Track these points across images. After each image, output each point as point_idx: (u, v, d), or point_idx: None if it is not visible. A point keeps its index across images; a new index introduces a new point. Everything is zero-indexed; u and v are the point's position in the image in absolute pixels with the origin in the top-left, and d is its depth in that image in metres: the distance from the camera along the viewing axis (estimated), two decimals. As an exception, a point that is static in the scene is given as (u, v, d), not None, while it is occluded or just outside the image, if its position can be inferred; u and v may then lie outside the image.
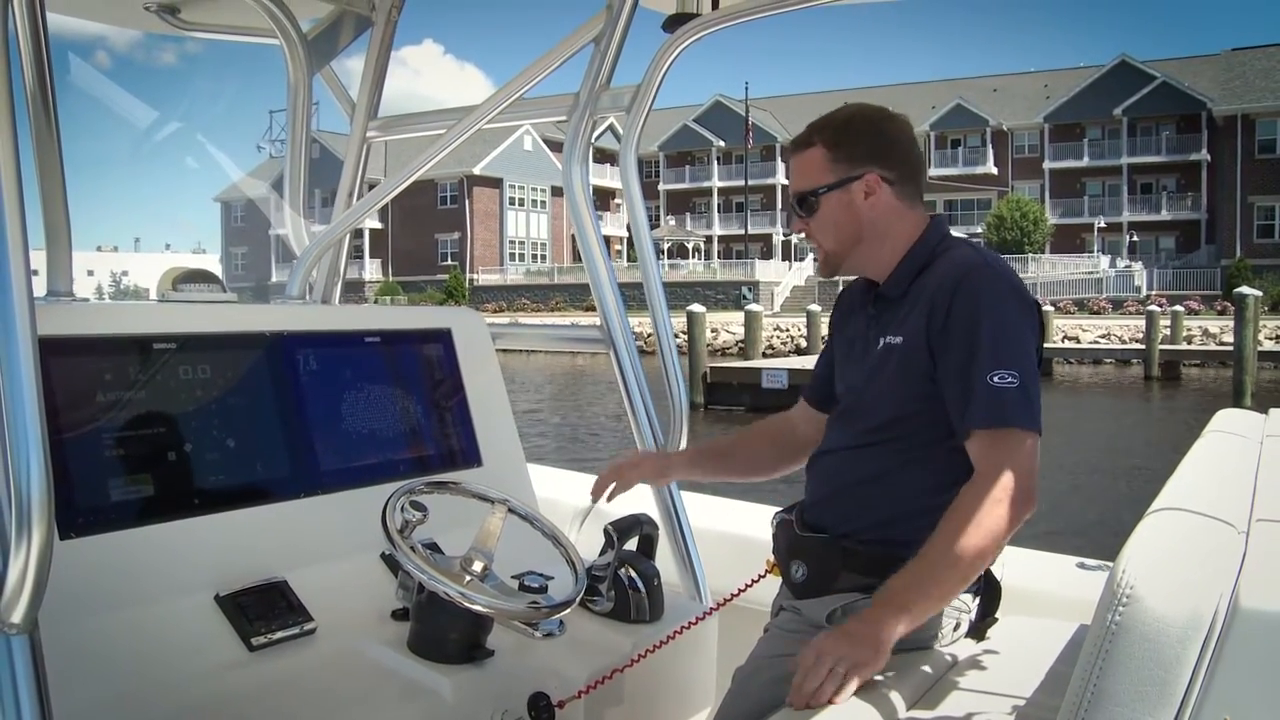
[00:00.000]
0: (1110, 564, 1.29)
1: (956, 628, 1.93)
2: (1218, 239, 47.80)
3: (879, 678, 1.71)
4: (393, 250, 61.60)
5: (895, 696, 1.68)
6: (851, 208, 1.94)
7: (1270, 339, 29.52)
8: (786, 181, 2.12)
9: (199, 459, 2.12)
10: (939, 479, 1.80)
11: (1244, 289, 24.88)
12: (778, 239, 58.87)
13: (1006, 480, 1.71)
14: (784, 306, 46.64)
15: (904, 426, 1.88)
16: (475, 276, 58.35)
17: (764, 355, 29.59)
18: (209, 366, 2.19)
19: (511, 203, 62.77)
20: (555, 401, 25.31)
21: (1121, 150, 52.91)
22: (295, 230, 3.18)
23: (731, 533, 2.89)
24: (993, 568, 1.89)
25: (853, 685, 1.64)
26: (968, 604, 1.93)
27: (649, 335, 2.78)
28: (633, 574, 2.34)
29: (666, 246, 57.48)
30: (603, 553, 2.38)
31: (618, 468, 2.36)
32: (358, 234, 55.26)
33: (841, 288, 2.23)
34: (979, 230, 52.20)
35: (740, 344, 32.11)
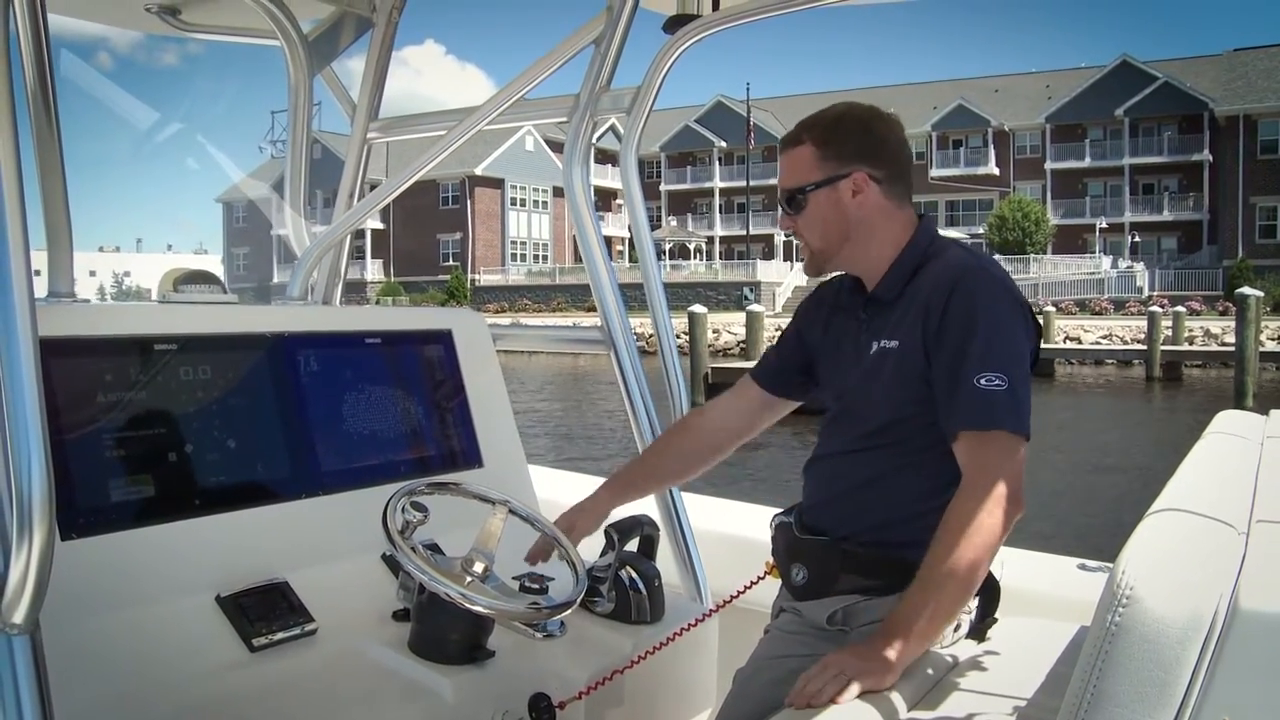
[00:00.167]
0: (1110, 565, 1.29)
1: (957, 629, 1.92)
2: (1220, 239, 47.76)
3: None
4: (394, 251, 61.62)
5: (896, 697, 1.68)
6: (839, 206, 1.94)
7: (1272, 340, 29.48)
8: (786, 180, 2.11)
9: (200, 460, 2.12)
10: (937, 481, 1.80)
11: (1245, 289, 24.87)
12: (779, 240, 58.77)
13: (995, 486, 1.71)
14: (785, 307, 46.59)
15: (901, 430, 1.88)
16: (477, 277, 58.36)
17: (765, 356, 29.54)
18: (210, 367, 2.20)
19: (513, 203, 62.79)
20: (557, 401, 25.30)
21: (1123, 151, 52.87)
22: (296, 231, 3.18)
23: (732, 534, 2.89)
24: (990, 567, 1.88)
25: (854, 689, 1.63)
26: (970, 605, 1.93)
27: (650, 336, 2.78)
28: (633, 575, 2.35)
29: (668, 247, 57.48)
30: (603, 554, 2.38)
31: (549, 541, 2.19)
32: (359, 234, 55.27)
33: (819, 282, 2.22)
34: (981, 231, 52.19)
35: (742, 344, 32.13)
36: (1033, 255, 48.16)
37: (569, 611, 1.96)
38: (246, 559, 2.09)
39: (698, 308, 25.67)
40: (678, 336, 3.06)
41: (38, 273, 1.75)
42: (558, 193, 60.42)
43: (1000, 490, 1.71)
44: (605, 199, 59.78)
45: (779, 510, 2.13)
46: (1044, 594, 2.44)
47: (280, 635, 2.02)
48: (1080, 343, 33.23)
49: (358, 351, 2.54)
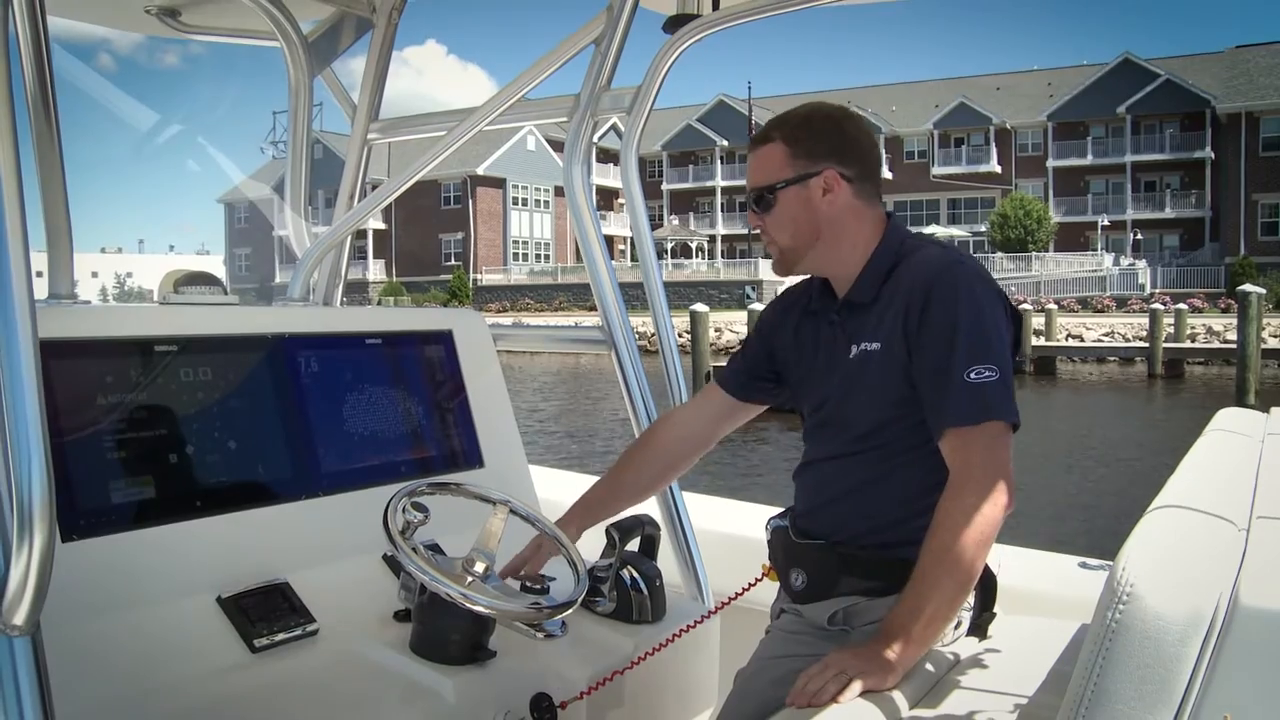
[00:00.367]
0: (1111, 563, 1.29)
1: (957, 626, 1.92)
2: (1222, 237, 47.72)
3: None
4: (396, 251, 61.66)
5: (897, 696, 1.68)
6: (809, 204, 1.93)
7: (1274, 337, 29.42)
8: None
9: (200, 461, 2.12)
10: (931, 478, 1.80)
11: (1247, 286, 24.86)
12: (781, 238, 58.58)
13: (986, 479, 1.71)
14: (787, 306, 46.46)
15: (890, 431, 1.88)
16: (479, 276, 58.35)
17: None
18: (210, 369, 2.20)
19: (515, 203, 62.81)
20: (558, 401, 25.30)
21: (1125, 148, 52.79)
22: (296, 232, 3.18)
23: (734, 533, 2.89)
24: (986, 560, 1.87)
25: (856, 688, 1.63)
26: (968, 601, 1.92)
27: (652, 335, 2.78)
28: (635, 575, 2.34)
29: (670, 246, 57.44)
30: (604, 554, 2.38)
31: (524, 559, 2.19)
32: (361, 235, 55.16)
33: (784, 287, 2.21)
34: (983, 229, 52.19)
35: (743, 343, 32.08)
36: (1035, 253, 48.13)
37: (570, 611, 1.95)
38: (247, 560, 2.09)
39: (700, 306, 25.64)
40: (680, 335, 3.05)
41: (39, 274, 1.75)
42: (559, 192, 60.35)
43: (992, 482, 1.71)
44: (608, 198, 59.76)
45: (774, 514, 2.13)
46: (1045, 593, 2.44)
47: (281, 636, 2.02)
48: (1082, 340, 33.17)
49: (358, 352, 2.54)
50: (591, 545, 2.32)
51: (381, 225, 60.42)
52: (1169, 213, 51.86)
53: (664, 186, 63.75)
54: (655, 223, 59.94)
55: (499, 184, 61.47)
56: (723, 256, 58.64)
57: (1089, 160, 53.96)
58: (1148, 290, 41.99)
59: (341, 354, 2.49)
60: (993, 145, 57.04)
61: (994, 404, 1.74)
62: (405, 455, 2.52)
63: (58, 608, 1.44)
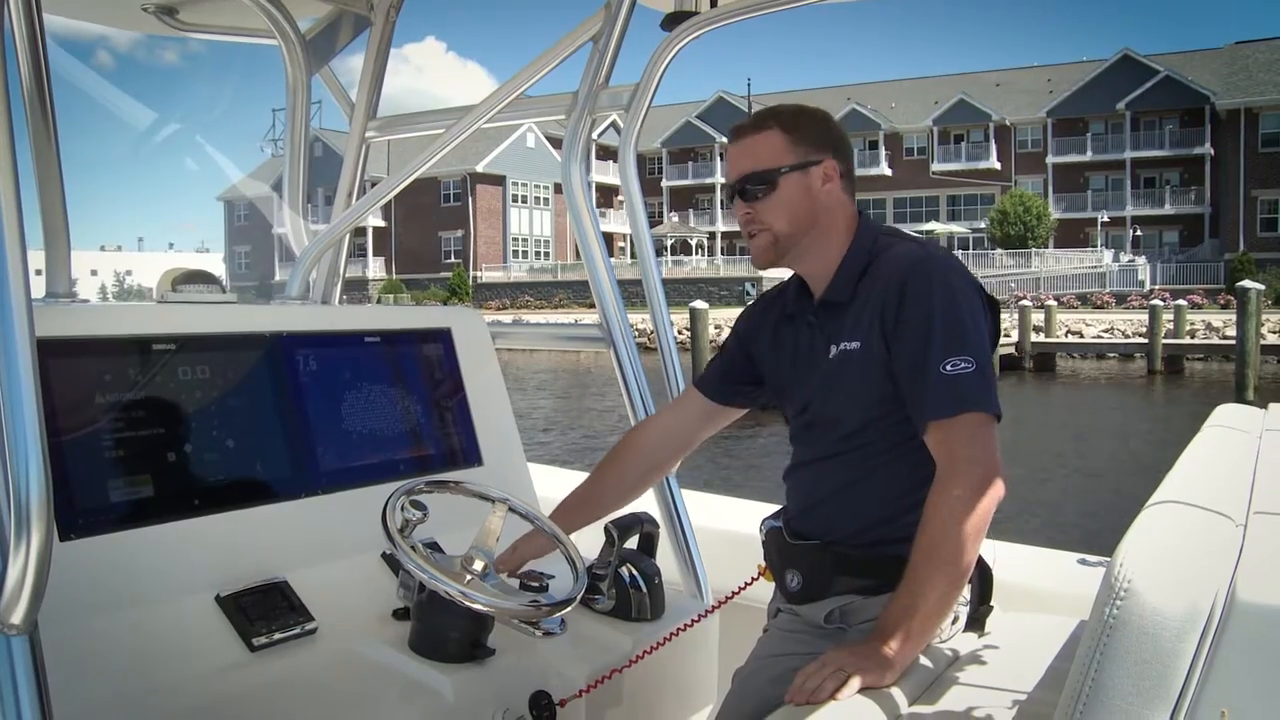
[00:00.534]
0: (1109, 560, 1.29)
1: (955, 621, 1.92)
2: (1221, 233, 47.70)
3: None
4: (396, 248, 61.65)
5: (896, 692, 1.68)
6: (810, 192, 1.93)
7: (1273, 333, 29.44)
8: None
9: (199, 459, 2.12)
10: (918, 473, 1.80)
11: (1246, 282, 24.87)
12: (780, 235, 58.56)
13: (972, 471, 1.71)
14: (787, 303, 46.44)
15: (877, 428, 1.87)
16: (479, 274, 58.35)
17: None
18: (208, 367, 2.20)
19: (515, 200, 62.80)
20: (558, 399, 25.29)
21: (1125, 144, 52.75)
22: (294, 230, 3.18)
23: (732, 531, 2.89)
24: (981, 553, 1.87)
25: (854, 685, 1.63)
26: (964, 595, 1.92)
27: (651, 332, 2.78)
28: (633, 572, 2.35)
29: (670, 243, 57.42)
30: (603, 551, 2.38)
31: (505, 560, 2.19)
32: (360, 232, 55.39)
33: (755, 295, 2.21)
34: (982, 225, 52.18)
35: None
36: (1034, 249, 48.13)
37: (569, 609, 1.95)
38: (246, 558, 2.09)
39: (699, 303, 25.65)
40: (680, 332, 3.06)
41: (38, 272, 1.75)
42: (559, 189, 60.05)
43: (979, 474, 1.71)
44: (608, 195, 59.72)
45: (768, 514, 2.13)
46: (1043, 589, 2.45)
47: (280, 635, 2.02)
48: (1082, 336, 33.18)
49: (356, 350, 2.54)
50: (590, 543, 2.32)
51: (381, 223, 60.41)
52: (1168, 209, 51.83)
53: (664, 183, 63.71)
54: (655, 220, 59.89)
55: (499, 181, 61.46)
56: (722, 253, 58.66)
57: (1089, 156, 53.93)
58: (1147, 286, 42.00)
59: (340, 352, 2.49)
60: (992, 142, 57.02)
61: (971, 395, 1.74)
62: (404, 453, 2.52)
63: (55, 607, 1.44)
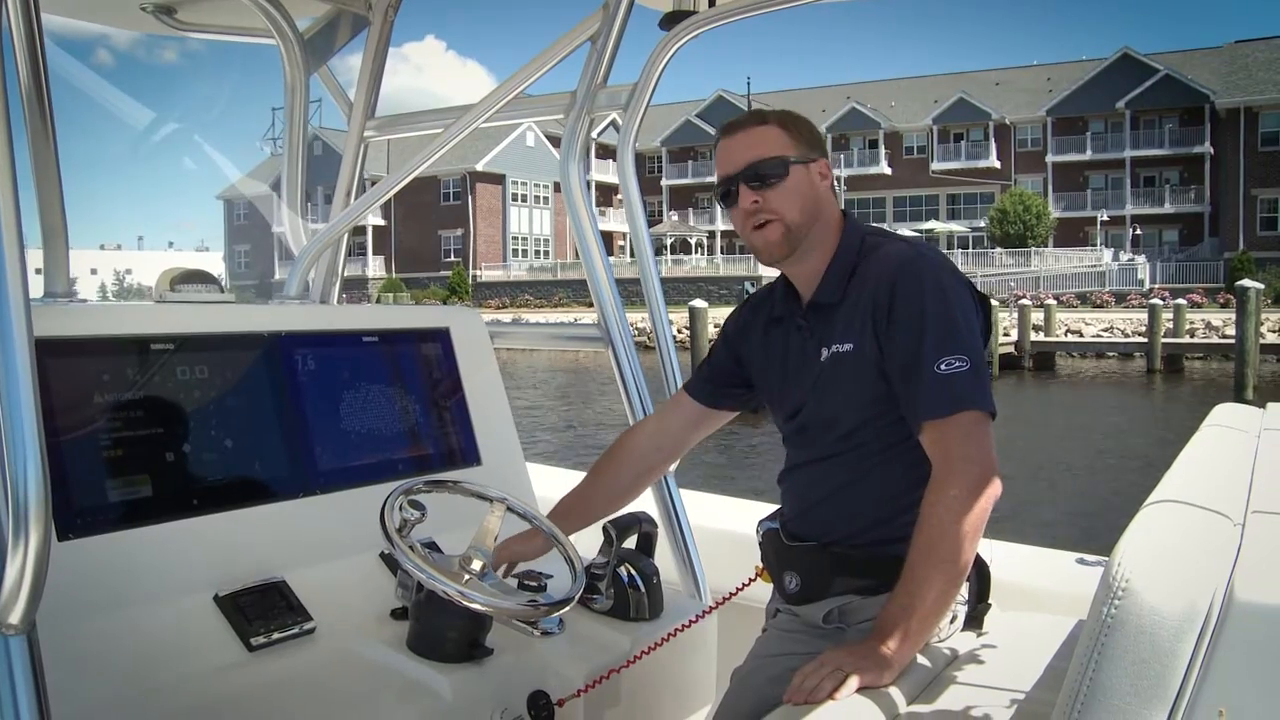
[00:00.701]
0: (1107, 559, 1.29)
1: (953, 620, 1.92)
2: (1221, 232, 47.68)
3: None
4: (396, 247, 61.63)
5: (894, 692, 1.68)
6: (813, 186, 1.94)
7: (1272, 332, 29.44)
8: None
9: (197, 459, 2.12)
10: (917, 472, 1.79)
11: (1246, 282, 24.87)
12: (780, 234, 58.52)
13: (968, 470, 1.71)
14: (787, 302, 46.38)
15: (871, 429, 1.87)
16: (479, 273, 58.34)
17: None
18: (206, 367, 2.19)
19: (514, 199, 62.78)
20: (558, 399, 25.29)
21: (1124, 143, 52.72)
22: (293, 229, 3.18)
23: (731, 530, 2.89)
24: (979, 552, 1.87)
25: (852, 684, 1.63)
26: (962, 594, 1.92)
27: (651, 331, 2.78)
28: (632, 572, 2.34)
29: (669, 242, 57.40)
30: (602, 551, 2.38)
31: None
32: (360, 231, 55.39)
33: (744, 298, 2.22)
34: (982, 224, 52.17)
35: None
36: (1034, 248, 48.12)
37: (567, 609, 1.95)
38: (244, 558, 2.09)
39: (699, 302, 25.66)
40: (680, 331, 3.06)
41: (37, 272, 1.75)
42: (559, 188, 60.10)
43: (975, 472, 1.71)
44: (608, 194, 59.71)
45: (765, 516, 2.13)
46: (1042, 589, 2.45)
47: (278, 634, 2.02)
48: (1081, 335, 33.20)
49: (355, 350, 2.54)
50: (589, 543, 2.32)
51: (381, 221, 60.39)
52: (1168, 208, 51.81)
53: (663, 182, 63.70)
54: (655, 218, 59.91)
55: (498, 180, 61.45)
56: (722, 252, 58.60)
57: (1088, 155, 53.90)
58: (1147, 285, 42.00)
59: (338, 352, 2.48)
60: (992, 140, 56.99)
61: (965, 394, 1.74)
62: (402, 453, 2.52)
63: (54, 607, 1.44)
